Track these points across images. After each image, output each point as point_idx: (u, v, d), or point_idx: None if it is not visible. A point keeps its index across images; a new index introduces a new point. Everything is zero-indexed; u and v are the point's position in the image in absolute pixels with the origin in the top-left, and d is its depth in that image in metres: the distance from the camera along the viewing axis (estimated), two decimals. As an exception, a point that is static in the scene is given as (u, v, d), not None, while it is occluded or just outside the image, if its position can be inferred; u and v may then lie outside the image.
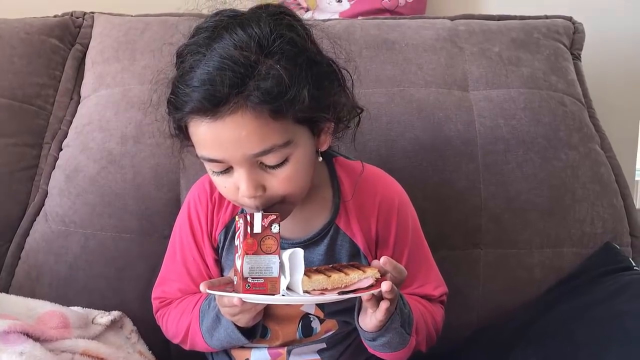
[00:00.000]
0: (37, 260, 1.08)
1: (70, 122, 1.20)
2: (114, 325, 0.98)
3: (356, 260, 0.85)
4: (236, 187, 0.74)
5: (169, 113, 0.76)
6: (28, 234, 1.11)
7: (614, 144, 1.17)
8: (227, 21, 0.72)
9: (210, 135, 0.71)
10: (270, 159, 0.72)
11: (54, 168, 1.16)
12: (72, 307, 0.96)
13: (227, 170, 0.74)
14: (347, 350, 0.88)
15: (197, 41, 0.73)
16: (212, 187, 0.87)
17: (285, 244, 0.84)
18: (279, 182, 0.74)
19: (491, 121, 1.10)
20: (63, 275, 1.06)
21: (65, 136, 1.19)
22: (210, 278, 0.86)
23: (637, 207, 1.16)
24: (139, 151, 1.10)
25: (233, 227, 0.86)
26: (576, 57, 1.24)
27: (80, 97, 1.23)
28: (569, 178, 1.07)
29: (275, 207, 0.76)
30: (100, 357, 0.89)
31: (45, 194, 1.14)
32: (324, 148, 0.80)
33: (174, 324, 0.89)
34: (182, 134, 0.77)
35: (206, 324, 0.83)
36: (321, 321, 0.86)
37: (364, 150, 1.06)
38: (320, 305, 0.85)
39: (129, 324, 1.00)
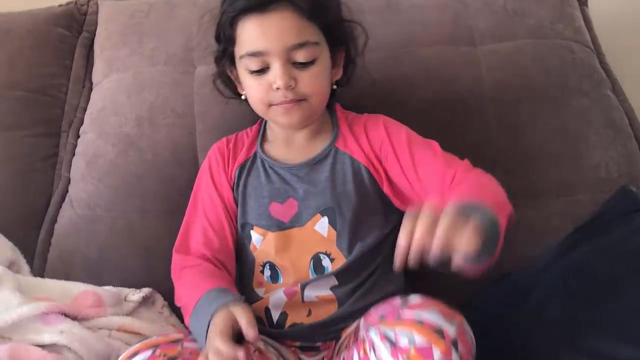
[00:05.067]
0: (67, 244, 1.11)
1: (85, 109, 1.23)
2: (145, 301, 1.00)
3: (358, 175, 0.93)
4: (269, 84, 0.88)
5: (222, 14, 0.91)
6: (56, 221, 1.14)
7: (629, 88, 1.16)
8: None
9: (258, 28, 0.87)
10: (302, 54, 0.87)
11: (73, 155, 1.18)
12: (104, 287, 0.99)
13: (263, 70, 0.88)
14: (360, 289, 0.90)
15: None
16: (229, 140, 1.02)
17: (293, 168, 0.95)
18: (308, 78, 0.89)
19: (500, 74, 1.09)
20: (94, 257, 1.09)
21: (82, 123, 1.21)
22: (226, 214, 0.96)
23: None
24: (155, 132, 1.13)
25: (248, 165, 0.98)
26: (583, 4, 1.23)
27: (92, 83, 1.26)
28: (581, 125, 1.07)
29: (300, 105, 0.89)
30: (135, 331, 0.93)
31: (68, 181, 1.17)
32: (337, 77, 0.97)
33: (180, 291, 0.93)
34: (231, 37, 0.91)
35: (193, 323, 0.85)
36: (331, 260, 0.90)
37: (373, 112, 1.07)
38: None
39: (159, 300, 1.03)
